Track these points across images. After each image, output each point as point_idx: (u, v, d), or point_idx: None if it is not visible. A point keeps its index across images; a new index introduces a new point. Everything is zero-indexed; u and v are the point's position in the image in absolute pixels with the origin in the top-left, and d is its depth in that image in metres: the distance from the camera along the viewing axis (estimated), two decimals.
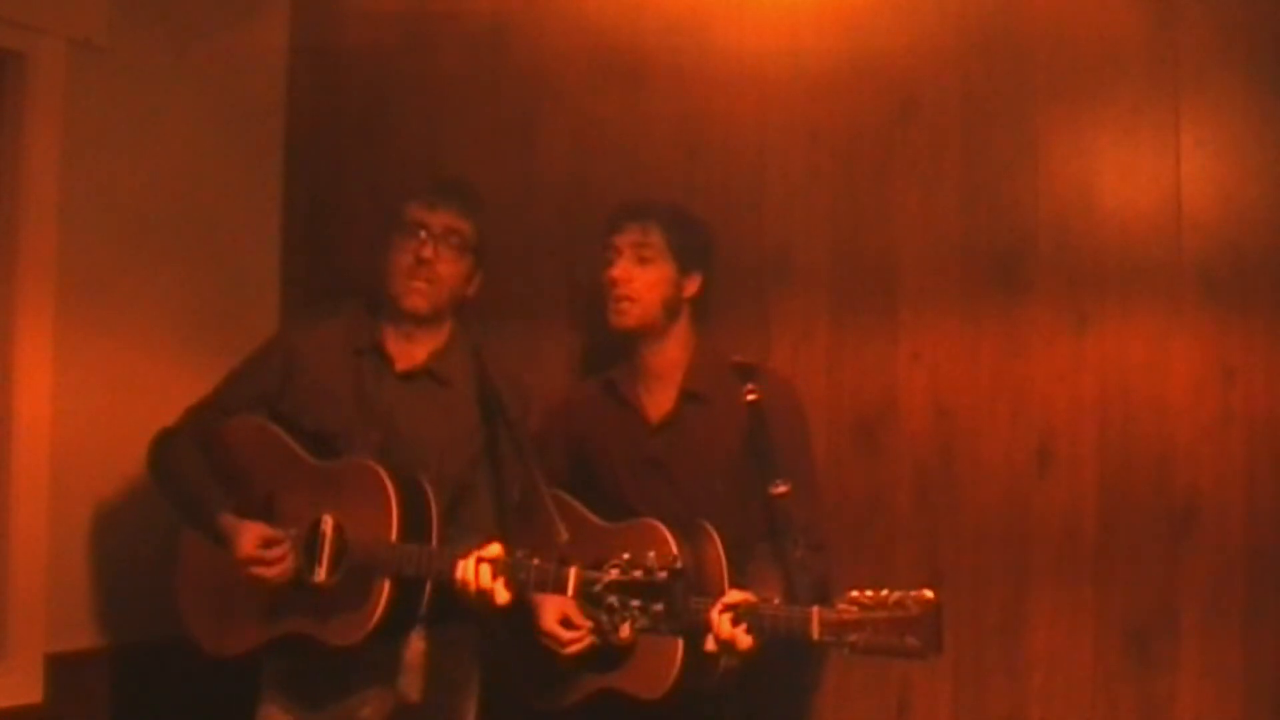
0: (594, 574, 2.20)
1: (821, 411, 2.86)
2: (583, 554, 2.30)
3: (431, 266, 2.60)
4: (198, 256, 3.27)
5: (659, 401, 2.65)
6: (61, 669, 2.87)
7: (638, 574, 2.16)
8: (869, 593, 2.14)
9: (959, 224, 2.81)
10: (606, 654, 2.42)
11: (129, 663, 3.00)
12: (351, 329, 2.70)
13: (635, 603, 2.15)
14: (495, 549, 2.33)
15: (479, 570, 2.30)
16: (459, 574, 2.32)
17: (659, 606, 2.14)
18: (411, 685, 2.59)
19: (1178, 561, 2.60)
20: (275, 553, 2.44)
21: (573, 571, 2.23)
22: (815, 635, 2.16)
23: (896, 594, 2.12)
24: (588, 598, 2.20)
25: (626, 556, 2.18)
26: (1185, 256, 2.63)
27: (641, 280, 2.61)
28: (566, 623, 2.41)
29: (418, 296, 2.61)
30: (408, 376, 2.65)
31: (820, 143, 2.95)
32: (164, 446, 2.65)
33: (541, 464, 2.53)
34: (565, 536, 2.37)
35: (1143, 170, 2.68)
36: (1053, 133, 2.75)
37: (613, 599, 2.17)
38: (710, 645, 2.26)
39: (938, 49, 2.85)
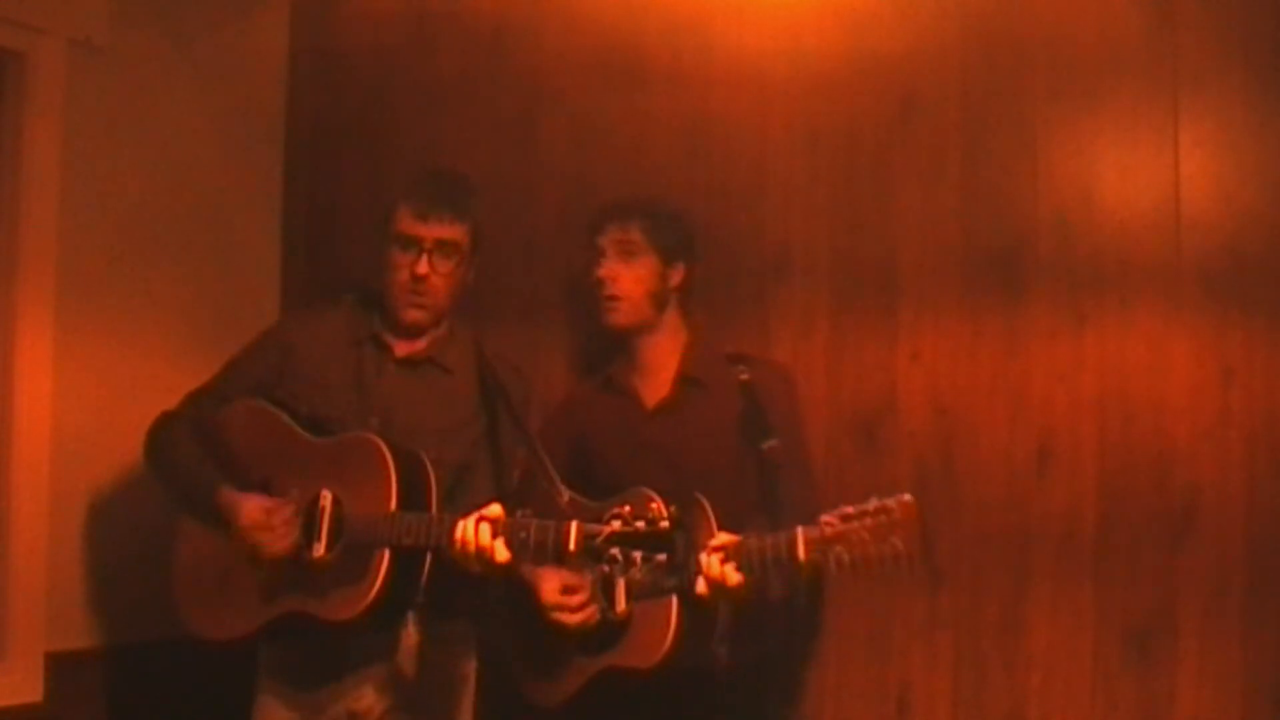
0: (595, 527, 2.18)
1: (821, 411, 2.86)
2: None
3: (427, 281, 2.60)
4: (198, 256, 3.28)
5: (654, 388, 2.69)
6: (61, 668, 2.87)
7: (640, 525, 2.15)
8: (850, 508, 2.17)
9: (959, 224, 2.81)
10: (603, 634, 2.42)
11: (129, 662, 3.00)
12: (350, 320, 2.71)
13: (638, 554, 2.14)
14: (495, 509, 2.31)
15: (478, 529, 2.29)
16: (458, 534, 2.29)
17: (662, 556, 2.13)
18: (407, 678, 2.58)
19: (1177, 561, 2.60)
20: (278, 519, 2.43)
21: (574, 525, 2.22)
22: (801, 554, 2.17)
23: (877, 502, 2.16)
24: (590, 551, 2.18)
25: (628, 508, 2.17)
26: (1184, 256, 2.63)
27: (627, 276, 2.66)
28: (568, 591, 2.41)
29: (417, 311, 2.63)
30: (408, 363, 2.66)
31: (820, 143, 2.95)
32: (162, 430, 2.65)
33: (542, 440, 2.55)
34: (567, 497, 2.37)
35: (1142, 170, 2.67)
36: (1052, 133, 2.74)
37: (615, 551, 2.15)
38: (701, 587, 2.25)
39: (938, 49, 2.84)
